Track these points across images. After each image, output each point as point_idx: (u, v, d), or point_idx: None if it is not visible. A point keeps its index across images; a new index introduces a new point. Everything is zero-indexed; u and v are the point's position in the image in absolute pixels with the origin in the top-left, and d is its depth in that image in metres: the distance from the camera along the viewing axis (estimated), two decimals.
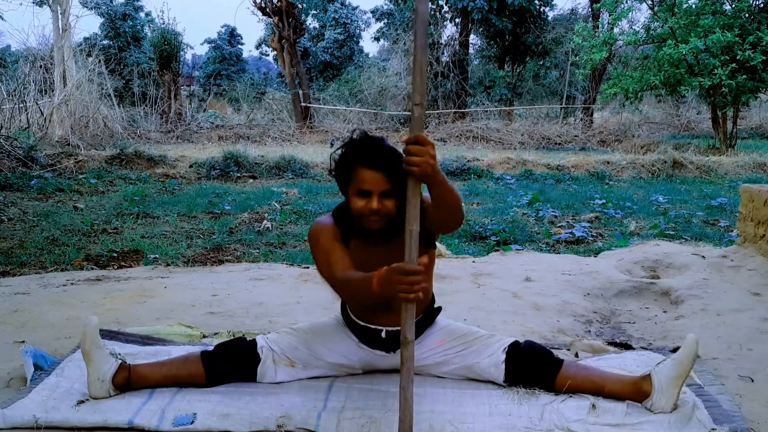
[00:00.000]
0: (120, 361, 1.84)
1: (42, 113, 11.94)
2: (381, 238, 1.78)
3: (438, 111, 17.24)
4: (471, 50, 19.59)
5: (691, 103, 18.45)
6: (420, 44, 1.39)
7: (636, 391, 1.79)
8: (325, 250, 1.78)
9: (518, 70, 19.34)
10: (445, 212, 1.65)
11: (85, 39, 20.15)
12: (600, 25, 15.07)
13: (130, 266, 3.95)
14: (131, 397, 1.82)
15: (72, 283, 3.26)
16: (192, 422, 1.72)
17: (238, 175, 9.02)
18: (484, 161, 10.09)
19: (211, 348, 1.95)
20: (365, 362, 1.97)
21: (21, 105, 11.77)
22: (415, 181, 1.48)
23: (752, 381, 2.05)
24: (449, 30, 18.99)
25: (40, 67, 13.09)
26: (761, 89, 12.02)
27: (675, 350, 1.88)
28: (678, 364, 1.74)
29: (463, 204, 1.68)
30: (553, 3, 18.57)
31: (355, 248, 1.81)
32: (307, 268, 3.66)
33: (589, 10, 17.61)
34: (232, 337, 2.21)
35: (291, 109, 17.20)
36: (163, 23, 17.32)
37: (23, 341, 2.32)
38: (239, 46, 27.67)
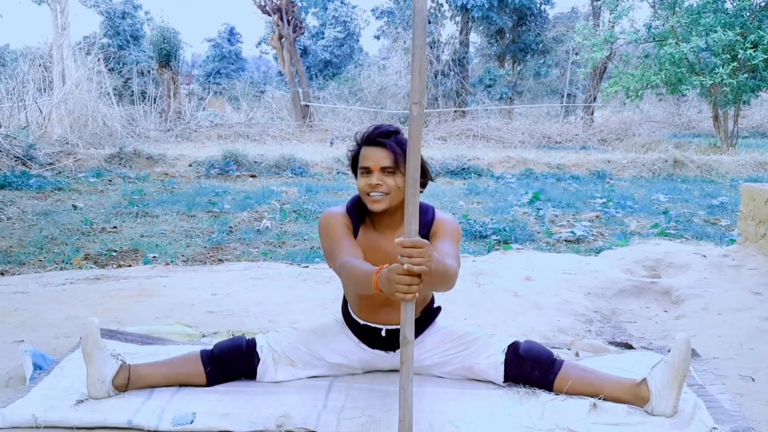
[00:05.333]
0: (120, 363, 1.83)
1: (41, 112, 11.93)
2: (388, 225, 1.82)
3: (438, 110, 17.22)
4: (471, 48, 19.57)
5: (692, 101, 18.44)
6: (419, 42, 1.38)
7: (635, 396, 1.78)
8: (332, 238, 1.80)
9: (519, 69, 19.32)
10: (438, 287, 1.71)
11: (85, 37, 20.12)
12: (601, 24, 15.05)
13: (130, 265, 3.94)
14: (131, 396, 1.81)
15: (71, 282, 3.25)
16: (191, 422, 1.71)
17: (238, 173, 9.01)
18: (484, 160, 10.08)
19: (210, 347, 1.94)
20: (365, 362, 1.96)
21: (20, 103, 11.76)
22: (414, 179, 1.45)
23: (753, 380, 2.05)
24: (449, 28, 19.01)
25: (39, 65, 13.08)
26: (762, 88, 12.01)
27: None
28: (670, 367, 1.72)
29: (457, 272, 1.67)
30: (553, 1, 18.57)
31: (363, 236, 1.84)
32: (307, 267, 3.66)
33: (590, 8, 17.58)
34: (231, 336, 2.20)
35: (290, 107, 17.18)
36: (162, 21, 17.30)
37: (22, 340, 2.32)
38: (239, 44, 27.63)
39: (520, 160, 10.17)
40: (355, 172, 1.85)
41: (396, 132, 1.79)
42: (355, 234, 1.84)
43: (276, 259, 4.11)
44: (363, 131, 1.82)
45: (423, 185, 1.80)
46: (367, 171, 1.77)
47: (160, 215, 5.76)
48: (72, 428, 1.70)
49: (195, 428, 1.70)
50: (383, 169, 1.75)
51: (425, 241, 1.44)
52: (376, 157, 1.76)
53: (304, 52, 22.27)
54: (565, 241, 4.80)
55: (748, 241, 3.66)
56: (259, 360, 1.90)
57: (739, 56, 11.07)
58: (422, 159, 1.69)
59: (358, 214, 1.86)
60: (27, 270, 3.79)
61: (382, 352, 1.93)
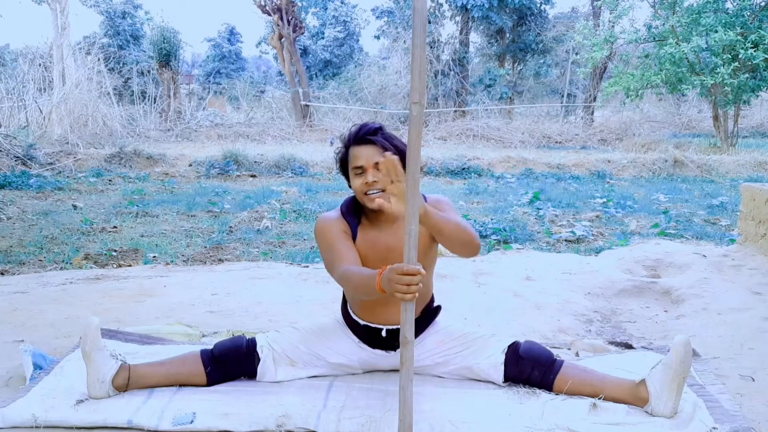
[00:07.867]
0: (120, 363, 1.83)
1: (41, 111, 11.93)
2: (385, 220, 1.81)
3: (438, 109, 17.21)
4: (471, 48, 19.57)
5: (692, 101, 18.44)
6: (419, 42, 1.37)
7: (634, 397, 1.78)
8: (328, 245, 1.79)
9: (519, 69, 19.33)
10: (460, 249, 1.70)
11: (85, 37, 20.11)
12: (601, 24, 15.06)
13: (130, 265, 3.94)
14: (131, 396, 1.81)
15: (71, 282, 3.25)
16: (191, 421, 1.71)
17: (238, 173, 9.01)
18: (484, 160, 10.08)
19: (210, 347, 1.94)
20: (365, 362, 1.96)
21: (20, 103, 11.77)
22: (414, 179, 1.45)
23: (753, 380, 2.05)
24: (449, 28, 19.02)
25: (39, 65, 13.08)
26: (762, 88, 12.01)
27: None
28: (668, 369, 1.72)
29: (472, 228, 1.70)
30: (553, 1, 18.55)
31: (363, 237, 1.83)
32: (307, 267, 3.66)
33: (590, 8, 17.58)
34: (231, 336, 2.20)
35: (290, 107, 17.18)
36: (162, 21, 17.31)
37: (22, 340, 2.32)
38: (239, 44, 27.64)
39: (520, 160, 10.17)
40: (345, 174, 1.86)
41: (380, 128, 1.81)
42: (354, 236, 1.83)
43: (276, 259, 4.11)
44: (347, 133, 1.83)
45: None
46: (361, 170, 1.77)
47: (160, 215, 5.76)
48: (72, 428, 1.70)
49: (195, 428, 1.70)
50: (376, 165, 1.75)
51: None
52: (367, 154, 1.76)
53: (304, 51, 22.27)
54: (565, 241, 4.80)
55: (748, 241, 3.66)
56: (259, 360, 1.90)
57: (739, 56, 11.06)
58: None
59: (354, 215, 1.85)
60: (27, 270, 3.79)
61: (383, 352, 1.93)
